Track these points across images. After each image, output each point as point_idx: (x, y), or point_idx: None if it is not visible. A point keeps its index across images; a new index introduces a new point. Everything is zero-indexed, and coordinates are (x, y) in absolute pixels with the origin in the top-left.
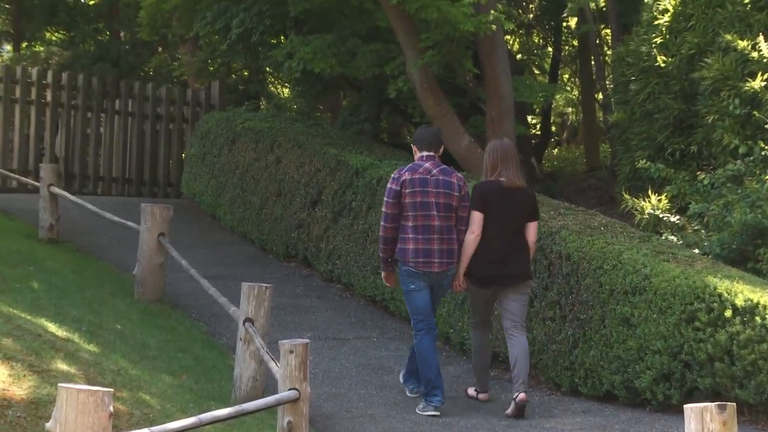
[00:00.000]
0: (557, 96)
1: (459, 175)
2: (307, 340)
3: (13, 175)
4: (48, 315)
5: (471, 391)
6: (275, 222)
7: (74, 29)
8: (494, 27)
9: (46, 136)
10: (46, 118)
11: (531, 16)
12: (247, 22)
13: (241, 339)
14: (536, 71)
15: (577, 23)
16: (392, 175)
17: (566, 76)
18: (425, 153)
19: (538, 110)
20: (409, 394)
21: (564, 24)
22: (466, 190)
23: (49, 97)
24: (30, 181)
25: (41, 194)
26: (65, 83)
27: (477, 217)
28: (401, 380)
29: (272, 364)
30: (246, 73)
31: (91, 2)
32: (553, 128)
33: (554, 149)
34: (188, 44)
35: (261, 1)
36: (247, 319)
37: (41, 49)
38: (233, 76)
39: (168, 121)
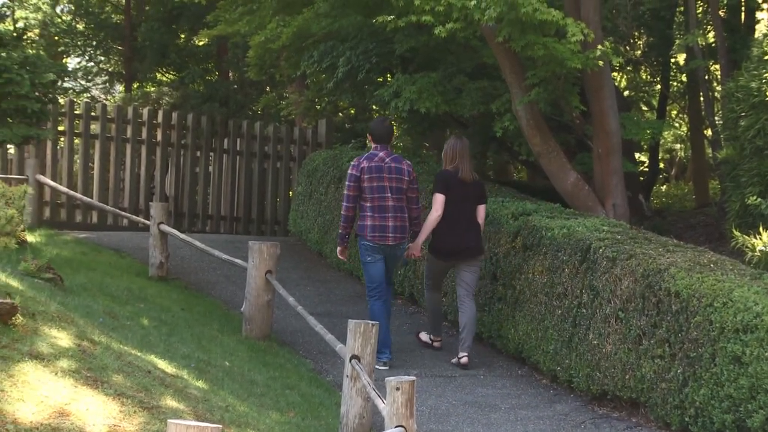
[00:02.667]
0: (665, 132)
1: (408, 162)
2: (413, 377)
3: (124, 213)
4: (158, 352)
5: (424, 336)
6: None
7: (184, 70)
8: (601, 63)
9: (157, 175)
10: (157, 158)
11: (639, 52)
12: (353, 61)
13: (347, 376)
14: (644, 107)
15: (685, 59)
16: (352, 163)
17: (674, 112)
18: (379, 144)
19: (646, 147)
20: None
21: (672, 60)
22: (415, 175)
23: (159, 137)
24: (140, 219)
25: (151, 232)
26: (175, 123)
27: (440, 199)
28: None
29: (379, 402)
30: (352, 112)
31: (201, 43)
32: (662, 165)
33: (662, 186)
34: (296, 83)
35: (367, 39)
36: (354, 356)
37: (152, 89)
38: (340, 114)
39: (275, 160)
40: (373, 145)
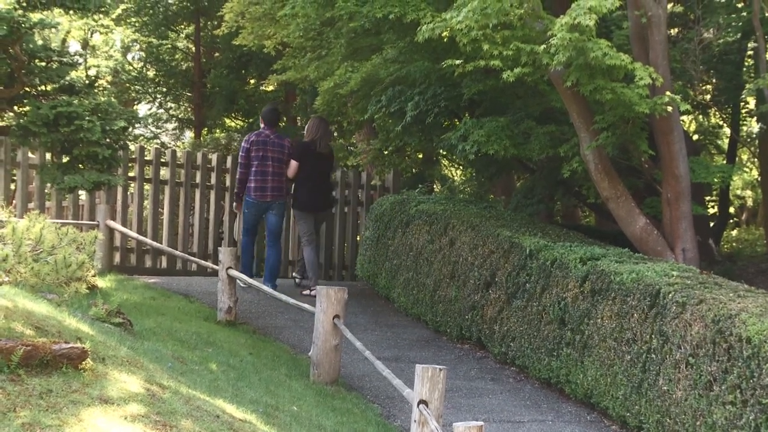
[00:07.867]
0: (735, 177)
1: (289, 139)
2: (481, 423)
3: (193, 258)
4: (226, 396)
5: (306, 291)
6: (449, 304)
7: (252, 115)
8: (670, 108)
9: (225, 220)
10: (225, 203)
11: (708, 96)
12: (421, 105)
13: (415, 421)
14: (713, 151)
15: (755, 103)
16: (245, 138)
17: (745, 156)
18: (267, 126)
19: (716, 191)
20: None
21: (742, 104)
22: (292, 150)
23: (228, 182)
24: (209, 264)
25: (220, 277)
26: None
27: (294, 165)
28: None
29: None
30: (420, 156)
31: (269, 89)
32: (732, 209)
33: (733, 231)
34: (363, 130)
35: (436, 83)
36: (422, 401)
37: (221, 135)
38: (406, 158)
39: (343, 205)
40: (263, 126)
